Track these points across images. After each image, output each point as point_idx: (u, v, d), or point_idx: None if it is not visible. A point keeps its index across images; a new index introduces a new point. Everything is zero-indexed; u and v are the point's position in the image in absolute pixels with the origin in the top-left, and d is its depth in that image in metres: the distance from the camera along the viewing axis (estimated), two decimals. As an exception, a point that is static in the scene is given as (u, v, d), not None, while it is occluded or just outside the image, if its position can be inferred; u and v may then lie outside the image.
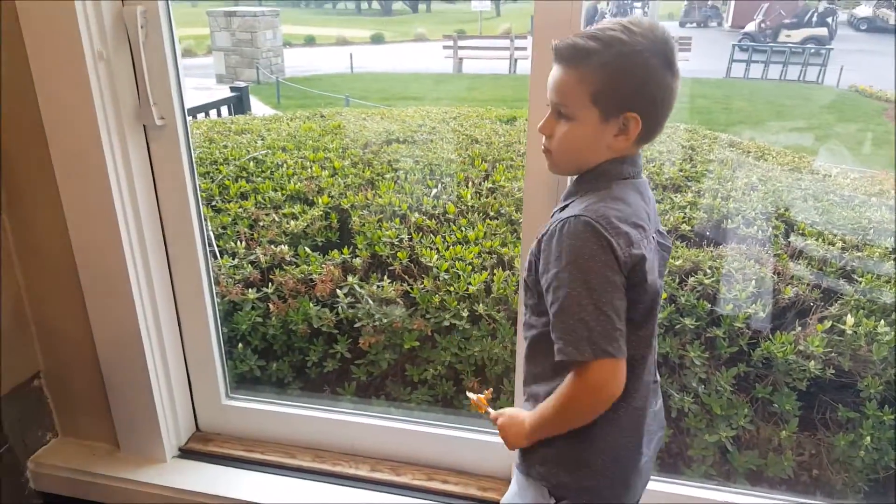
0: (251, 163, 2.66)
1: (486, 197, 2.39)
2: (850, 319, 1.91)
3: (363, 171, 2.62)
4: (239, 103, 3.94)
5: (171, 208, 1.77)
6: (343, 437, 1.96)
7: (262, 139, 2.93)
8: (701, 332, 1.98)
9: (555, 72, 1.04)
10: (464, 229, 2.23)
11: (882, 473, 1.88)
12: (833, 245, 2.22)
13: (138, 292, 1.75)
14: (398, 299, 2.08)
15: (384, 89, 9.78)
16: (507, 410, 1.17)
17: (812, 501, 1.83)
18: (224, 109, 3.92)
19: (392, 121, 3.25)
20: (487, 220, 2.27)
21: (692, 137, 3.38)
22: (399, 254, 2.16)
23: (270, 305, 2.11)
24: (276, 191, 2.47)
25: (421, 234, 2.25)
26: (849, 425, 1.92)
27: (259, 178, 2.56)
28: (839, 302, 2.02)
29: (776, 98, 10.23)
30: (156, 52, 1.60)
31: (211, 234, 2.21)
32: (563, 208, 1.09)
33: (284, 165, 2.64)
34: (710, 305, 1.99)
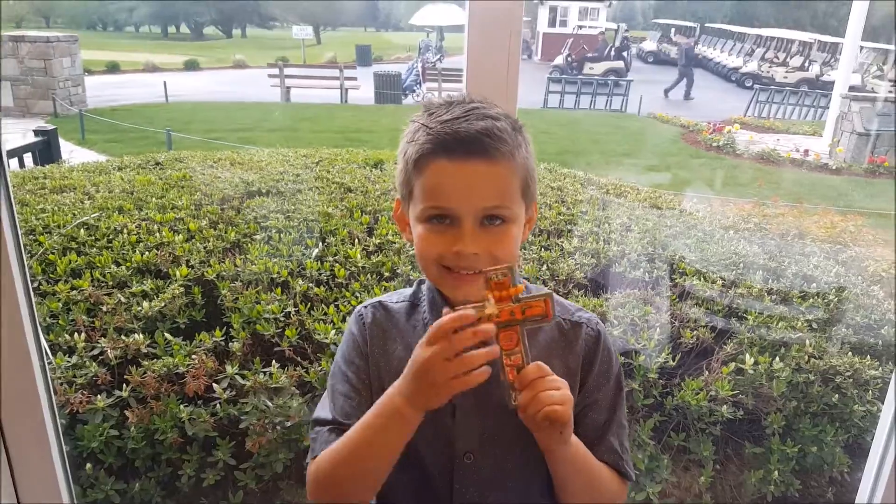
0: (81, 230, 2.17)
1: (377, 255, 2.17)
2: (748, 359, 1.96)
3: (226, 233, 2.26)
4: (46, 150, 3.25)
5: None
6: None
7: (90, 198, 2.44)
8: (619, 387, 1.92)
9: (477, 169, 0.86)
10: (358, 295, 1.98)
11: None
12: (715, 283, 2.30)
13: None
14: (292, 387, 1.78)
15: (208, 120, 9.08)
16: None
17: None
18: (28, 157, 3.23)
19: (246, 168, 2.89)
20: (383, 282, 2.04)
21: (556, 177, 3.43)
22: (287, 331, 1.86)
23: (128, 413, 1.70)
24: (118, 264, 2.04)
25: (309, 304, 1.96)
26: (755, 462, 1.96)
27: (94, 250, 2.10)
28: (733, 341, 2.08)
29: (592, 127, 11.12)
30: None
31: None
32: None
33: (125, 231, 2.19)
34: (623, 358, 1.93)
